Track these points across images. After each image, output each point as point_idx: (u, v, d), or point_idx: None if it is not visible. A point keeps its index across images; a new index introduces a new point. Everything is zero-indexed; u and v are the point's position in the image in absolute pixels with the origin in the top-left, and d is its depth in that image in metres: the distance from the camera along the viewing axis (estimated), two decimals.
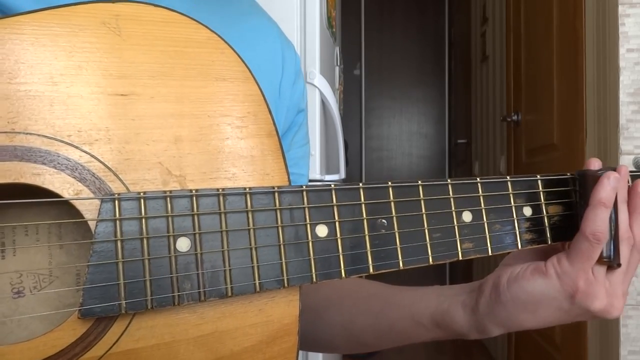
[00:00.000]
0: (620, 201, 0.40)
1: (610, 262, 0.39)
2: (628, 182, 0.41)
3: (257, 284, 0.31)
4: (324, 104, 1.17)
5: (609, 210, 0.38)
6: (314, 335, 0.50)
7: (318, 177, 1.15)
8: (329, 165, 1.27)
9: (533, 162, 1.70)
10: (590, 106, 1.20)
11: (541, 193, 0.41)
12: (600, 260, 0.39)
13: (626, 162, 1.03)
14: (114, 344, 0.29)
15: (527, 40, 1.75)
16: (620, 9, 1.04)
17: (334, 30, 1.43)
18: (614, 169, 0.40)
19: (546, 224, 0.41)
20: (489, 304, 0.41)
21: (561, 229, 0.41)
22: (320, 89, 1.13)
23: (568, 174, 0.42)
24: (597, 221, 0.38)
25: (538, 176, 0.41)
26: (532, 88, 1.71)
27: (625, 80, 1.05)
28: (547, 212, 0.41)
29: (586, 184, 0.40)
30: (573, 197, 0.42)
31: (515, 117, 1.84)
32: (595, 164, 0.42)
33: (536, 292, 0.39)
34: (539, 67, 1.61)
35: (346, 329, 0.48)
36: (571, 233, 0.41)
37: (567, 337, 1.37)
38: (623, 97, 1.04)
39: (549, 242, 0.41)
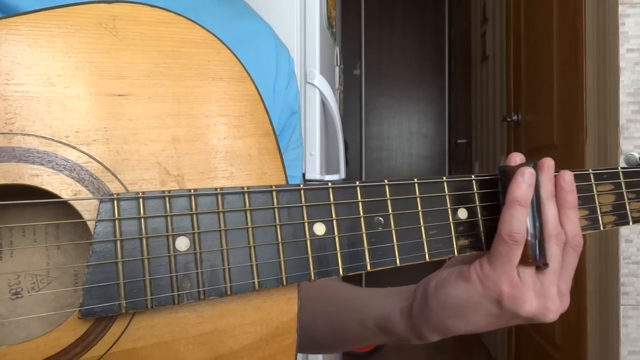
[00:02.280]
0: (546, 197, 0.38)
1: (536, 262, 0.37)
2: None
3: (256, 283, 0.31)
4: (324, 104, 1.17)
5: (525, 209, 0.36)
6: None
7: (318, 177, 1.15)
8: (329, 165, 1.27)
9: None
10: (590, 106, 1.20)
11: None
12: (525, 261, 0.37)
13: (624, 156, 1.03)
14: (114, 343, 0.29)
15: (527, 40, 1.75)
16: (620, 9, 1.04)
17: (334, 30, 1.43)
18: (535, 164, 0.38)
19: None
20: (420, 309, 0.40)
21: None
22: (320, 89, 1.14)
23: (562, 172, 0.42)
24: (513, 221, 0.36)
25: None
26: (532, 88, 1.71)
27: (625, 80, 1.05)
28: None
29: (505, 181, 0.38)
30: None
31: (515, 117, 1.84)
32: (516, 159, 0.39)
33: (461, 297, 0.38)
34: (539, 67, 1.61)
35: (307, 330, 0.47)
36: None
37: (567, 337, 1.37)
38: (623, 97, 1.04)
39: None
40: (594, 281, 1.19)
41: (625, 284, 1.05)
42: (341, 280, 0.52)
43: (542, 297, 0.37)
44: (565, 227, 0.38)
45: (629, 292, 1.04)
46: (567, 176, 0.39)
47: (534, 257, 0.37)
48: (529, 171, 0.37)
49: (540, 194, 0.37)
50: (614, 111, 1.07)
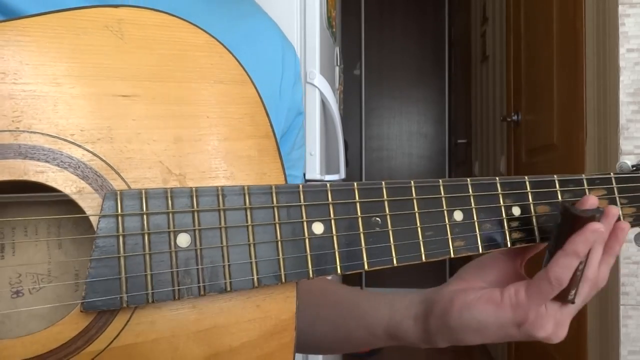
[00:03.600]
0: (598, 242, 0.39)
1: (567, 300, 0.39)
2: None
3: (255, 279, 0.32)
4: (324, 104, 1.17)
5: (579, 260, 0.38)
6: None
7: (318, 177, 1.15)
8: (329, 165, 1.28)
9: (533, 162, 1.70)
10: (590, 106, 1.20)
11: (529, 193, 0.41)
12: (557, 297, 0.39)
13: (617, 164, 1.03)
14: (114, 338, 0.30)
15: (527, 40, 1.75)
16: (620, 9, 1.05)
17: (334, 30, 1.44)
18: (601, 213, 0.38)
19: (534, 224, 0.41)
20: (439, 326, 0.41)
21: (549, 228, 0.42)
22: (320, 89, 1.14)
23: (555, 176, 0.43)
24: (565, 268, 0.37)
25: (526, 177, 0.41)
26: (532, 88, 1.71)
27: (625, 80, 1.05)
28: (535, 212, 0.41)
29: (567, 221, 0.38)
30: (559, 197, 0.42)
31: (515, 117, 1.84)
32: (588, 203, 0.40)
33: (489, 321, 0.39)
34: (539, 67, 1.61)
35: (307, 334, 0.48)
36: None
37: (567, 337, 1.37)
38: (623, 97, 1.05)
39: (537, 241, 0.41)
40: None
41: (625, 284, 1.05)
42: (340, 281, 0.53)
43: (557, 326, 0.40)
44: (601, 270, 0.40)
45: (629, 292, 1.05)
46: (625, 229, 0.40)
47: (567, 296, 0.39)
48: (599, 230, 0.37)
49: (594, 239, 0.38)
50: (614, 111, 1.07)
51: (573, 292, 0.39)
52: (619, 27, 1.05)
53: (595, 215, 0.37)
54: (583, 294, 0.40)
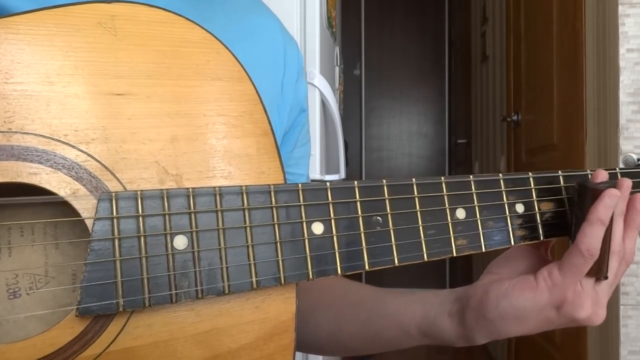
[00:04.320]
0: (618, 214, 0.40)
1: (600, 274, 0.39)
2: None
3: (254, 282, 0.31)
4: (324, 104, 1.17)
5: (604, 227, 0.38)
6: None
7: (318, 177, 1.15)
8: (329, 165, 1.27)
9: (533, 162, 1.70)
10: (590, 106, 1.20)
11: (533, 190, 0.41)
12: (590, 273, 0.39)
13: (622, 158, 1.03)
14: (111, 342, 0.29)
15: (527, 40, 1.75)
16: (620, 9, 1.04)
17: (334, 30, 1.43)
18: (615, 184, 0.40)
19: (538, 221, 0.41)
20: (477, 319, 0.41)
21: (553, 226, 0.41)
22: (320, 89, 1.14)
23: (560, 172, 0.42)
24: (593, 237, 0.38)
25: (530, 174, 0.41)
26: (532, 88, 1.71)
27: (625, 80, 1.05)
28: (539, 209, 0.41)
29: (585, 196, 0.40)
30: (564, 194, 0.42)
31: (515, 117, 1.84)
32: (601, 176, 0.41)
33: (527, 306, 0.39)
34: (539, 67, 1.61)
35: (333, 335, 0.48)
36: (563, 230, 0.41)
37: (567, 337, 1.37)
38: (623, 97, 1.04)
39: (542, 238, 0.41)
40: None
41: (625, 284, 1.05)
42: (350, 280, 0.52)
43: (596, 304, 0.40)
44: (626, 244, 0.41)
45: (629, 292, 1.04)
46: None
47: (600, 270, 0.39)
48: (615, 194, 0.38)
49: (614, 211, 0.39)
50: (614, 111, 1.07)
51: (604, 266, 0.39)
52: (619, 27, 1.05)
53: (610, 186, 0.39)
54: (613, 268, 0.40)
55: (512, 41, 1.91)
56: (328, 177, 1.19)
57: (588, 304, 0.39)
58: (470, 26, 2.81)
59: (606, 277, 0.40)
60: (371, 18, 3.38)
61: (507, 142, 1.97)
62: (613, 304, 1.09)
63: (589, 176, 0.43)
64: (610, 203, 0.38)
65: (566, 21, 1.35)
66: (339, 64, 1.51)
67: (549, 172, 0.42)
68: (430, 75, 3.37)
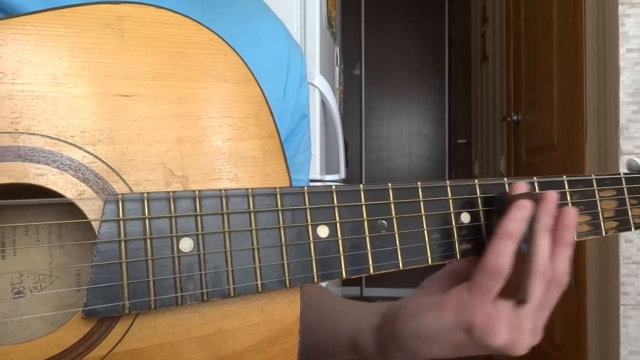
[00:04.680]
0: (542, 230, 0.35)
1: (516, 297, 0.35)
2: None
3: (259, 284, 0.31)
4: (324, 104, 1.17)
5: (515, 243, 0.35)
6: None
7: (318, 177, 1.15)
8: (329, 165, 1.27)
9: (533, 162, 1.70)
10: (590, 106, 1.20)
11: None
12: (505, 294, 0.35)
13: (626, 162, 1.03)
14: (117, 343, 0.29)
15: (527, 40, 1.75)
16: (620, 9, 1.05)
17: (334, 30, 1.43)
18: (538, 196, 0.36)
19: None
20: (389, 336, 0.39)
21: None
22: (320, 89, 1.14)
23: (564, 176, 0.42)
24: (500, 253, 0.34)
25: (535, 178, 0.40)
26: (532, 88, 1.71)
27: (625, 80, 1.05)
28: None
29: (500, 207, 0.36)
30: (568, 198, 0.41)
31: (515, 117, 1.84)
32: (519, 188, 0.37)
33: (432, 327, 0.36)
34: (539, 67, 1.61)
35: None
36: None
37: (567, 337, 1.37)
38: (623, 97, 1.05)
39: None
40: (594, 281, 1.19)
41: (625, 284, 1.05)
42: (341, 281, 0.51)
43: (516, 330, 0.36)
44: (555, 264, 0.36)
45: (629, 292, 1.05)
46: (571, 213, 0.37)
47: (516, 291, 0.35)
48: (526, 205, 0.35)
49: (535, 226, 0.35)
50: (614, 111, 1.07)
51: (523, 288, 0.35)
52: (619, 27, 1.05)
53: (525, 197, 0.36)
54: (537, 290, 0.35)
55: (512, 41, 1.91)
56: (328, 177, 1.19)
57: (504, 330, 0.35)
58: (470, 26, 2.81)
59: (525, 301, 0.35)
60: (371, 18, 3.38)
61: (507, 142, 1.98)
62: (613, 304, 1.09)
63: (595, 192, 0.41)
64: (519, 215, 0.35)
65: (566, 21, 1.36)
66: (339, 64, 1.51)
67: (554, 177, 0.41)
68: (430, 75, 3.37)
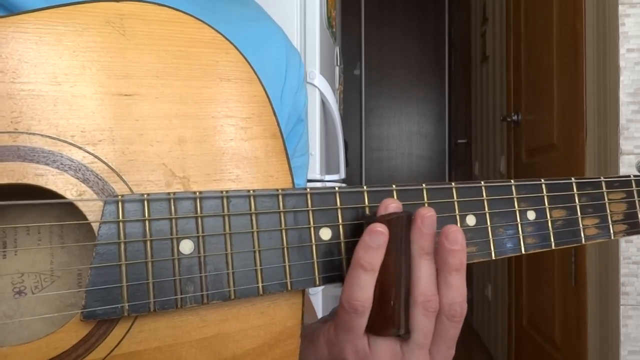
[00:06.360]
0: (419, 254, 0.32)
1: (391, 332, 0.31)
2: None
3: (260, 287, 0.31)
4: (324, 104, 1.17)
5: (371, 274, 0.31)
6: None
7: (318, 177, 1.14)
8: (329, 165, 1.27)
9: (533, 162, 1.70)
10: (590, 106, 1.20)
11: (545, 197, 0.40)
12: (377, 330, 0.32)
13: (626, 162, 1.03)
14: (116, 346, 0.29)
15: (527, 40, 1.75)
16: (620, 9, 1.05)
17: (334, 30, 1.43)
18: (409, 216, 0.31)
19: (550, 229, 0.40)
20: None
21: (564, 234, 0.40)
22: (320, 89, 1.13)
23: (573, 178, 0.41)
24: (354, 287, 0.31)
25: (542, 180, 0.40)
26: (532, 88, 1.71)
27: (625, 80, 1.05)
28: (551, 217, 0.40)
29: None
30: (576, 201, 0.40)
31: (515, 117, 1.84)
32: (388, 206, 0.32)
33: (314, 359, 0.34)
34: (539, 67, 1.61)
35: None
36: (574, 238, 0.40)
37: (567, 337, 1.37)
38: (623, 97, 1.05)
39: (553, 247, 0.40)
40: (594, 281, 1.19)
41: (625, 284, 1.05)
42: None
43: None
44: (443, 292, 0.32)
45: (629, 292, 1.05)
46: (453, 233, 0.31)
47: (389, 325, 0.31)
48: (377, 230, 0.30)
49: (411, 251, 0.32)
50: (614, 111, 1.07)
51: (399, 321, 0.31)
52: (619, 27, 1.05)
53: (374, 224, 0.31)
54: (421, 324, 0.31)
55: (512, 41, 1.91)
56: (328, 177, 1.19)
57: None
58: (470, 26, 2.81)
59: (406, 334, 0.32)
60: (371, 18, 3.38)
61: (507, 142, 1.98)
62: (613, 304, 1.09)
63: (604, 194, 0.40)
64: (372, 243, 0.30)
65: (566, 21, 1.35)
66: (339, 64, 1.51)
67: (561, 179, 0.41)
68: (430, 75, 3.37)
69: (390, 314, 0.31)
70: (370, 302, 0.31)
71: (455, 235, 0.31)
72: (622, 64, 1.04)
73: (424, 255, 0.32)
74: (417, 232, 0.32)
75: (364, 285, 0.31)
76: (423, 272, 0.32)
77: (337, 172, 1.29)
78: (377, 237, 0.30)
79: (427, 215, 0.32)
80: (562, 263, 1.39)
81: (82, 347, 0.28)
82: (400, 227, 0.31)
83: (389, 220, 0.31)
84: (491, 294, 2.31)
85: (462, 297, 0.32)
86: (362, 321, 0.31)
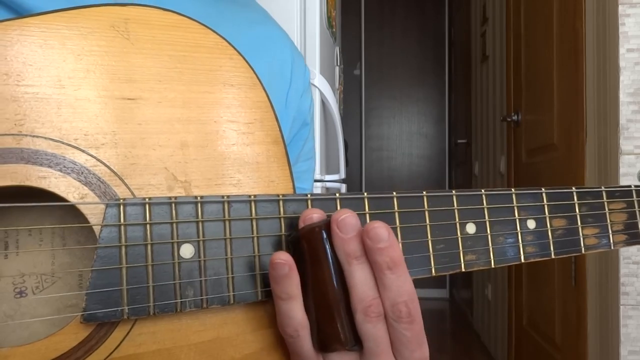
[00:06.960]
0: (347, 260, 0.29)
1: (337, 348, 0.30)
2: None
3: (260, 292, 0.31)
4: (324, 104, 1.17)
5: (291, 300, 0.29)
6: None
7: (318, 177, 1.15)
8: (329, 165, 1.27)
9: (533, 162, 1.70)
10: (590, 106, 1.21)
11: (545, 206, 0.39)
12: (324, 348, 0.30)
13: (626, 162, 1.03)
14: (115, 348, 0.29)
15: (527, 40, 1.75)
16: (620, 9, 1.05)
17: (334, 30, 1.43)
18: (326, 222, 0.29)
19: (550, 238, 0.39)
20: None
21: (564, 243, 0.40)
22: (320, 89, 1.13)
23: (574, 188, 0.41)
24: (280, 316, 0.30)
25: (543, 189, 0.40)
26: (532, 88, 1.71)
27: (625, 80, 1.05)
28: (551, 226, 0.39)
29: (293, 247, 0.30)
30: (576, 210, 0.40)
31: (515, 117, 1.84)
32: (311, 217, 0.30)
33: None
34: (539, 67, 1.61)
35: None
36: (574, 247, 0.40)
37: (567, 337, 1.37)
38: (623, 97, 1.05)
39: (552, 256, 0.40)
40: (594, 281, 1.19)
41: (625, 284, 1.05)
42: None
43: None
44: (382, 294, 0.30)
45: (629, 292, 1.05)
46: (373, 230, 0.29)
47: (335, 342, 0.30)
48: (277, 263, 0.28)
49: (338, 258, 0.30)
50: (614, 111, 1.07)
51: (345, 335, 0.30)
52: (619, 27, 1.05)
53: (279, 253, 0.29)
54: (369, 332, 0.29)
55: (512, 41, 1.91)
56: (328, 177, 1.19)
57: None
58: (470, 26, 2.81)
59: (353, 348, 0.30)
60: (371, 18, 3.38)
61: (507, 142, 1.98)
62: (613, 304, 1.09)
63: (604, 204, 0.39)
64: (277, 273, 0.28)
65: (566, 21, 1.36)
66: (339, 64, 1.51)
67: (562, 188, 0.40)
68: (430, 75, 3.37)
69: (334, 330, 0.30)
70: (304, 326, 0.30)
71: (376, 232, 0.29)
72: (622, 64, 1.04)
73: (353, 260, 0.30)
74: (337, 238, 0.29)
75: (288, 313, 0.29)
76: (357, 278, 0.30)
77: (337, 172, 1.29)
78: (280, 268, 0.29)
79: (341, 218, 0.29)
80: (562, 263, 1.39)
81: (81, 349, 0.28)
82: (319, 239, 0.29)
83: (303, 235, 0.30)
84: (491, 294, 2.31)
85: (407, 296, 0.30)
86: (305, 344, 0.30)
